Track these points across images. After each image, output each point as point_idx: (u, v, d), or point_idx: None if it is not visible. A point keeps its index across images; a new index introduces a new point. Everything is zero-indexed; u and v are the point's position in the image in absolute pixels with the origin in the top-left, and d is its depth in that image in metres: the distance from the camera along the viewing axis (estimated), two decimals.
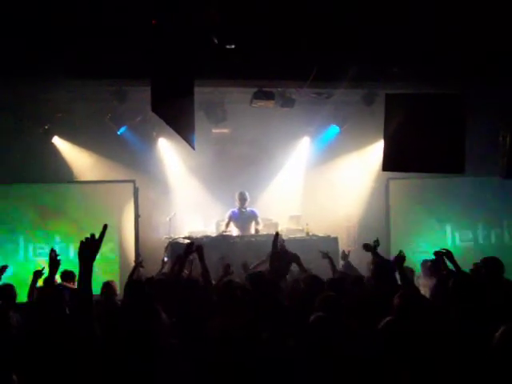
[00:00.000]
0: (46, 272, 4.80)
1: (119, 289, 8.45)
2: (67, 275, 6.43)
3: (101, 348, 2.85)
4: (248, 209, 9.38)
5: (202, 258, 5.30)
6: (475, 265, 5.64)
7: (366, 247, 5.82)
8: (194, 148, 6.22)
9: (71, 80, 7.14)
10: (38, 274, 5.52)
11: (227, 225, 9.28)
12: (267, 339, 3.33)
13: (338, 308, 3.72)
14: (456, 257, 5.30)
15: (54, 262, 4.50)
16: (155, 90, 4.53)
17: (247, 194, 9.39)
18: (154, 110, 4.52)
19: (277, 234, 6.87)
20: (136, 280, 5.80)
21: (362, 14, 6.27)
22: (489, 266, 5.08)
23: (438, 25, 6.40)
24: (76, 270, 3.55)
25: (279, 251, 6.67)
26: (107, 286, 5.78)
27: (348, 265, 7.12)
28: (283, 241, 7.13)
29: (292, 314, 4.06)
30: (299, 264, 6.54)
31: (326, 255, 6.62)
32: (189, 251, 5.41)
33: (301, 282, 5.14)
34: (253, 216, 9.36)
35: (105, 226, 2.91)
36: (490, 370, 2.65)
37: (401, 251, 5.22)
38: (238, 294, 4.50)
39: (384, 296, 4.03)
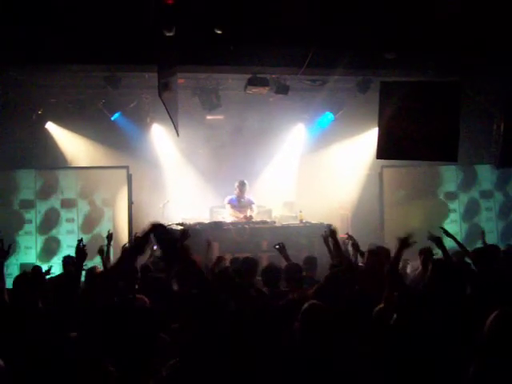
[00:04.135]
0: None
1: None
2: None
3: None
4: (246, 197, 9.32)
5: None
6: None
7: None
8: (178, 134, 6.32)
9: (65, 65, 7.09)
10: (46, 275, 5.48)
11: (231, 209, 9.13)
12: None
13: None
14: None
15: (81, 252, 4.35)
16: (161, 77, 4.61)
17: (247, 184, 9.23)
18: (161, 96, 4.62)
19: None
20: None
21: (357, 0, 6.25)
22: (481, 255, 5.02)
23: (433, 12, 6.38)
24: None
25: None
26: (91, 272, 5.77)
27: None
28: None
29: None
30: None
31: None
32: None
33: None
34: (249, 204, 9.31)
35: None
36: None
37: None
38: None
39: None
